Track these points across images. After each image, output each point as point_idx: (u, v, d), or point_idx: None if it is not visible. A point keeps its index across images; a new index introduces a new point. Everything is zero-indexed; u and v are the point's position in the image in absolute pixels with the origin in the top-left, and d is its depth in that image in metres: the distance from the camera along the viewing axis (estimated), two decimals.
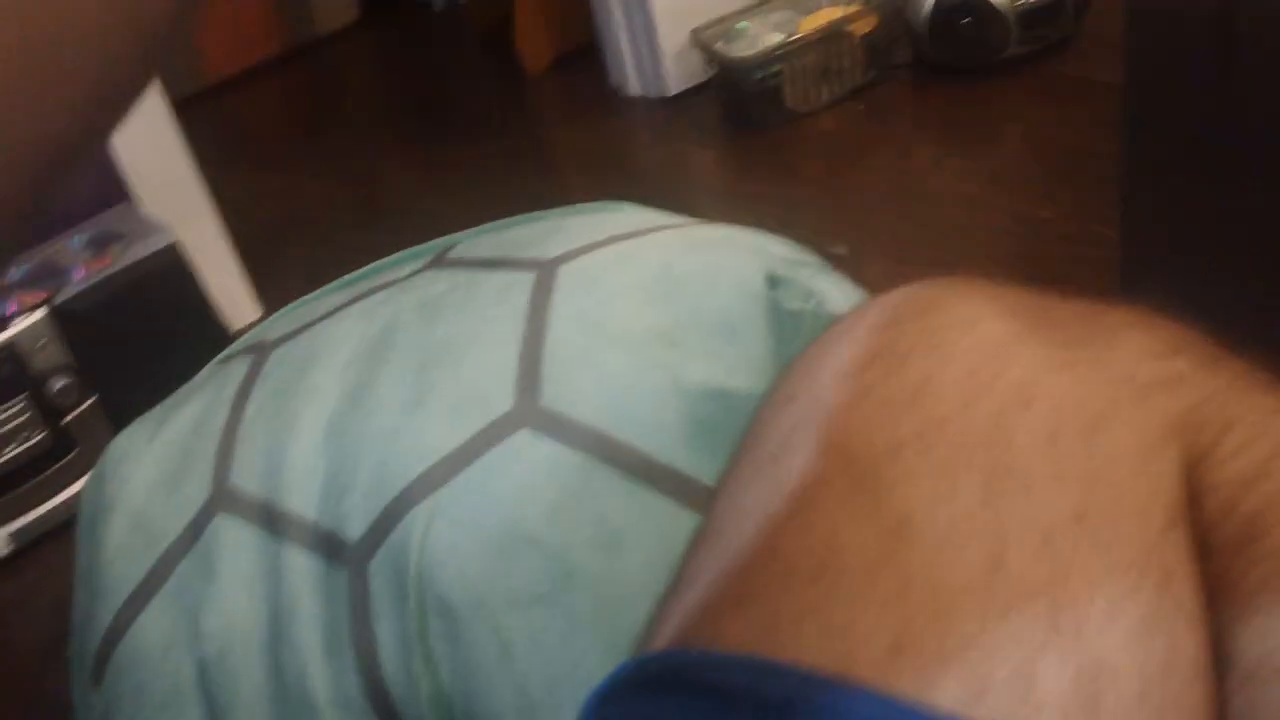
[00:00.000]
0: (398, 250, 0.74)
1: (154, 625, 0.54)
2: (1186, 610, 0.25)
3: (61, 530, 1.15)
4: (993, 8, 1.47)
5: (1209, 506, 0.26)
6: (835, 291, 0.61)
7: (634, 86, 1.77)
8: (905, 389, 0.26)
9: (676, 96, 1.72)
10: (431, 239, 0.75)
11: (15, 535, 1.16)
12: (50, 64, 0.18)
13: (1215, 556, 0.26)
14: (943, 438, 0.25)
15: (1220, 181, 0.52)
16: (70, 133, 0.19)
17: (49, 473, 1.15)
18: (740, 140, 1.60)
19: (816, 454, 0.26)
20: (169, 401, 0.66)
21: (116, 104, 0.20)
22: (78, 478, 1.16)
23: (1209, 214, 0.55)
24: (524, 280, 0.59)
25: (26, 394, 1.12)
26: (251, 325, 1.38)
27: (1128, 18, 0.55)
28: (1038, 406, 0.26)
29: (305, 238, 1.62)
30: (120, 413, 1.05)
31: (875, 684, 0.24)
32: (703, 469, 0.49)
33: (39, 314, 1.12)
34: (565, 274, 0.59)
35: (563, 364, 0.53)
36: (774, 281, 0.58)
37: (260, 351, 0.64)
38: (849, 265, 1.31)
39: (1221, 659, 0.26)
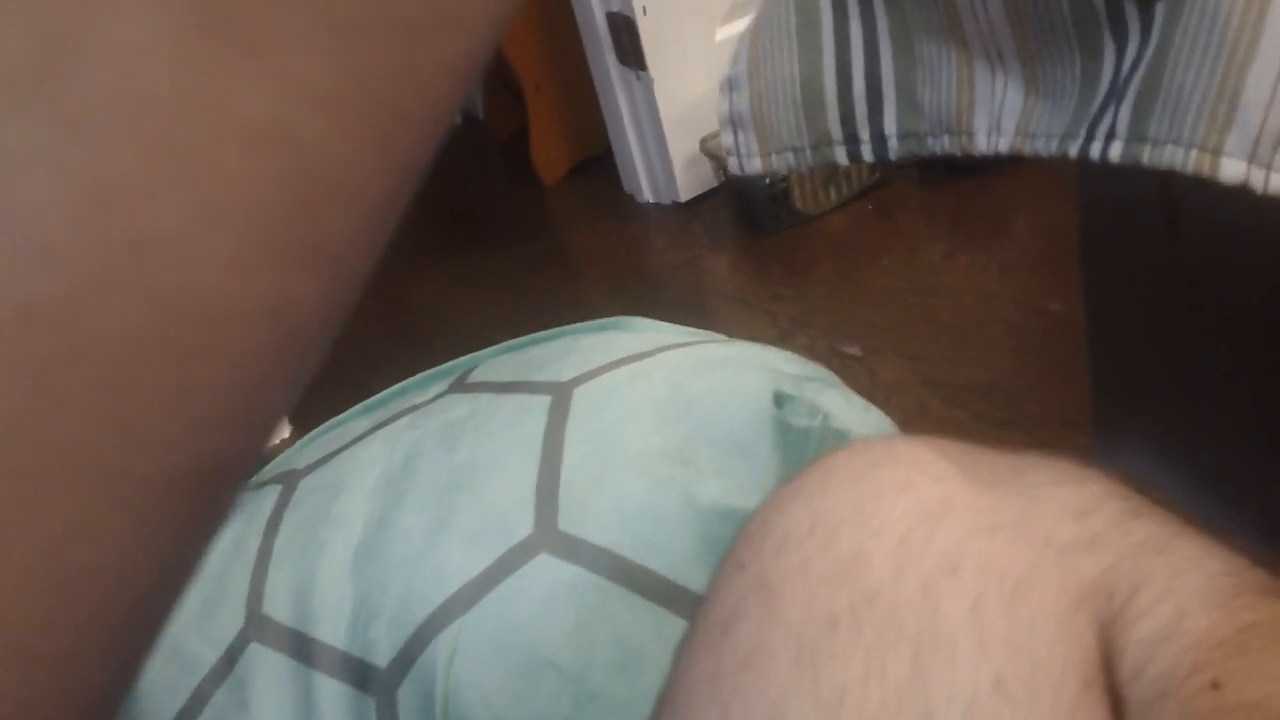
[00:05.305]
0: (423, 362, 0.77)
1: None
2: None
3: None
4: None
5: (1122, 667, 0.28)
6: (842, 406, 0.63)
7: (647, 193, 1.82)
8: (840, 561, 0.28)
9: (688, 202, 1.76)
10: (456, 349, 0.77)
11: None
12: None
13: (1130, 715, 0.27)
14: (874, 611, 0.27)
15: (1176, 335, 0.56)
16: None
17: None
18: (752, 243, 1.64)
19: (762, 625, 0.28)
20: None
21: None
22: None
23: (1170, 361, 0.58)
24: (540, 403, 0.61)
25: None
26: (283, 443, 1.41)
27: (1079, 209, 0.59)
28: (963, 574, 0.27)
29: (332, 351, 1.66)
30: None
31: None
32: None
33: None
34: (579, 396, 0.61)
35: (578, 487, 0.55)
36: (781, 399, 0.60)
37: (290, 479, 0.67)
38: (864, 365, 1.34)
39: None
